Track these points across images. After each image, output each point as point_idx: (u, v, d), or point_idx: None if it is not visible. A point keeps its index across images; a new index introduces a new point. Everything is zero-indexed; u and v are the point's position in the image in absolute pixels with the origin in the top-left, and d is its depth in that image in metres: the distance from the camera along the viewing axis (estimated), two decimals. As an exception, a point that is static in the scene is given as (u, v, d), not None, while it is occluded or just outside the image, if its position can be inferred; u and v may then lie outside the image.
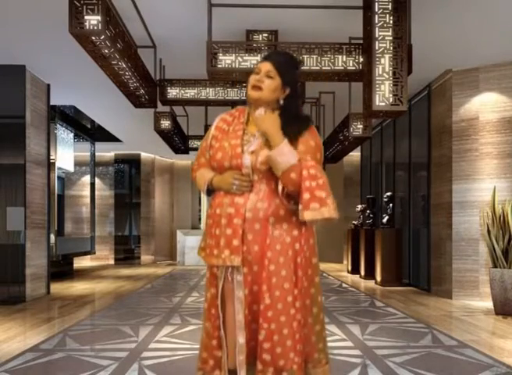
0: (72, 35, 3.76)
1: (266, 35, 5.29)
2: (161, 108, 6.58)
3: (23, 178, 6.46)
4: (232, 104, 5.99)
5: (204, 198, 14.49)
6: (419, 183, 7.91)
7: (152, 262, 13.76)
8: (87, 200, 11.73)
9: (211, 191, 2.23)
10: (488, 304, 5.92)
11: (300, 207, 2.02)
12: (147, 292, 7.38)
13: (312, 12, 4.79)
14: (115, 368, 3.33)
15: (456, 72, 6.61)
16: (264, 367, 2.03)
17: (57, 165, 9.08)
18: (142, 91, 5.20)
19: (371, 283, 8.51)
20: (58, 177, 9.80)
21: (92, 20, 3.66)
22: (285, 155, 2.02)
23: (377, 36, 4.10)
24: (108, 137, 11.34)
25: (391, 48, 4.10)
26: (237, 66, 4.41)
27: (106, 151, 13.10)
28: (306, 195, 2.00)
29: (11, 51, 5.94)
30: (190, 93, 5.86)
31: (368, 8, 4.19)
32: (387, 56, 4.11)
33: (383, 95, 4.11)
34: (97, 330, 4.68)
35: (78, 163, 11.18)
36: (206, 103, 6.12)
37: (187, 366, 3.34)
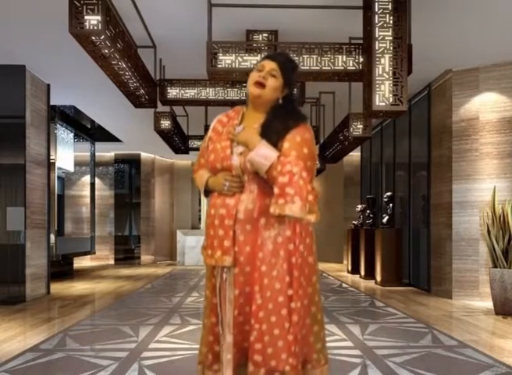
0: (72, 35, 3.76)
1: (266, 35, 5.29)
2: (161, 108, 6.58)
3: (23, 178, 6.46)
4: (232, 104, 5.97)
5: (203, 197, 14.47)
6: (419, 183, 7.90)
7: (152, 262, 13.76)
8: (87, 200, 11.72)
9: (208, 192, 2.25)
10: (488, 304, 5.92)
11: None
12: (147, 292, 7.39)
13: (312, 12, 4.80)
14: (115, 368, 3.34)
15: (456, 72, 6.61)
16: (256, 368, 2.02)
17: (57, 165, 9.07)
18: (142, 91, 5.20)
19: (371, 283, 8.51)
20: (58, 177, 9.79)
21: (92, 20, 3.66)
22: (261, 154, 2.02)
23: (377, 36, 4.10)
24: (108, 137, 11.35)
25: (391, 48, 4.10)
26: (237, 66, 4.42)
27: (106, 151, 13.10)
28: (275, 190, 1.99)
29: (11, 51, 5.94)
30: (190, 93, 5.86)
31: (368, 8, 4.19)
32: (387, 56, 4.11)
33: (383, 95, 4.11)
34: (97, 330, 4.67)
35: (78, 163, 11.17)
36: (206, 103, 6.12)
37: (187, 365, 3.35)
